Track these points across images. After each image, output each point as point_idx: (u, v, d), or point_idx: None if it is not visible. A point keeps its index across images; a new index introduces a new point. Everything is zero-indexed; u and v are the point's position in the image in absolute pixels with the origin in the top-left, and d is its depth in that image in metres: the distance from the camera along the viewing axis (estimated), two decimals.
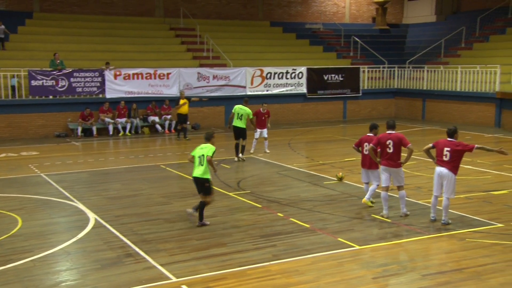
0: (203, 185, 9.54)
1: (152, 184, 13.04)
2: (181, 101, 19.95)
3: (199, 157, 9.61)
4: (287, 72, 24.95)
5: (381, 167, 10.12)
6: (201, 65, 24.10)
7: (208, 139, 9.91)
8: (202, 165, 9.53)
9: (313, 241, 8.82)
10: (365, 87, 26.67)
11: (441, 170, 9.44)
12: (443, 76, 24.90)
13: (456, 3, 32.30)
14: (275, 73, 24.71)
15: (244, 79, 23.96)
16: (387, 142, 9.95)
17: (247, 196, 11.75)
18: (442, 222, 9.51)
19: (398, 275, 7.48)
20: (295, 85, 25.16)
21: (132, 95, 21.96)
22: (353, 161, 15.50)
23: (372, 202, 10.75)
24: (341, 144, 18.77)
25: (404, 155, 10.04)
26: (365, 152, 10.71)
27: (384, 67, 27.55)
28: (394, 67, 27.59)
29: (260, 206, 10.92)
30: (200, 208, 9.59)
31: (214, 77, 23.34)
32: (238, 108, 15.64)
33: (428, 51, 28.27)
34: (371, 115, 26.49)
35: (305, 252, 8.30)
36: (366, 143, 10.61)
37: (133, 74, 21.96)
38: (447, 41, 28.02)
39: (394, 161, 9.89)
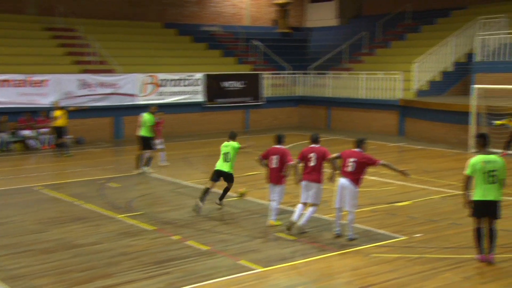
0: (227, 177, 12.00)
1: (24, 209, 12.42)
2: (57, 113, 19.17)
3: (225, 154, 11.98)
4: (183, 79, 24.91)
5: (303, 182, 10.35)
6: (85, 71, 23.38)
7: (233, 138, 12.18)
8: (227, 161, 11.97)
9: (213, 265, 8.82)
10: (268, 95, 27.24)
11: (344, 181, 9.86)
12: (347, 83, 26.08)
13: (357, 7, 34.00)
14: (169, 80, 24.57)
15: (135, 86, 23.56)
16: (310, 156, 10.31)
17: (138, 218, 11.54)
18: (348, 237, 9.92)
19: None
20: (192, 93, 25.18)
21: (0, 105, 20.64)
22: (256, 175, 15.71)
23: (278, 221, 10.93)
24: (244, 157, 18.86)
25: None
26: (272, 166, 10.84)
27: (287, 74, 28.34)
28: (298, 74, 28.47)
29: (153, 228, 10.76)
30: (225, 191, 12.04)
31: (100, 85, 22.74)
32: (145, 115, 15.88)
33: (332, 57, 29.51)
34: (274, 124, 27.08)
35: (204, 278, 8.27)
36: (274, 156, 10.73)
37: (0, 81, 20.69)
38: (350, 46, 29.40)
39: (316, 175, 10.22)
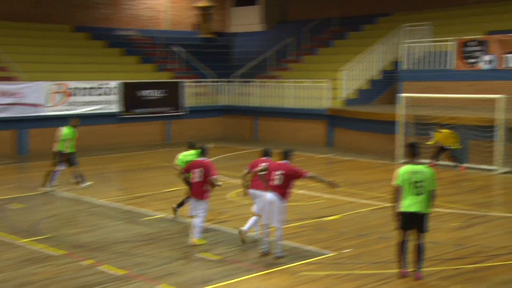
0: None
1: None
2: None
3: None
4: (96, 88, 24.44)
5: (251, 191, 10.70)
6: None
7: (193, 147, 12.35)
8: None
9: None
10: (190, 104, 27.16)
11: (270, 196, 9.95)
12: (273, 91, 26.40)
13: (283, 12, 34.59)
14: (81, 89, 24.04)
15: (41, 96, 22.86)
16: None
17: (45, 241, 11.14)
18: (275, 255, 10.00)
19: None
20: (107, 102, 24.73)
21: None
22: (177, 191, 15.60)
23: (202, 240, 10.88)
24: (165, 171, 18.73)
25: None
26: (195, 180, 10.79)
27: (210, 82, 28.37)
28: (222, 82, 28.57)
29: (62, 253, 10.41)
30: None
31: (0, 94, 21.91)
32: (64, 129, 15.63)
33: (257, 64, 29.83)
34: (197, 136, 26.94)
35: None
36: (196, 169, 10.70)
37: None
38: (277, 52, 29.87)
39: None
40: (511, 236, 11.23)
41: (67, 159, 15.69)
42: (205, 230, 11.45)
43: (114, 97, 24.88)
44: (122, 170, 19.68)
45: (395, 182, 8.77)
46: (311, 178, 10.15)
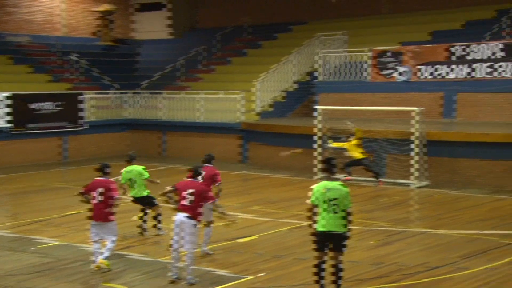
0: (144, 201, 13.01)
1: None
2: None
3: (130, 180, 12.99)
4: None
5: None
6: None
7: (133, 160, 13.02)
8: (135, 187, 12.88)
9: None
10: (91, 119, 26.59)
11: (181, 217, 9.85)
12: (183, 104, 26.31)
13: (192, 19, 34.66)
14: None
15: None
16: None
17: None
18: (187, 282, 9.89)
19: None
20: None
21: None
22: (77, 214, 15.24)
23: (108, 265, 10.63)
24: (61, 193, 18.31)
25: None
26: (96, 201, 10.60)
27: (113, 93, 27.93)
28: (126, 93, 28.19)
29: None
30: (156, 218, 12.94)
31: None
32: None
33: (165, 74, 29.70)
34: (99, 153, 26.47)
35: None
36: (97, 190, 10.58)
37: None
38: (186, 62, 29.88)
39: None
40: (428, 253, 11.59)
41: None
42: (109, 257, 11.21)
43: (1, 111, 23.99)
44: (12, 193, 18.99)
45: (309, 200, 8.82)
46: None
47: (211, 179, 11.72)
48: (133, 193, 13.06)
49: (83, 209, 15.68)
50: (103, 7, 32.26)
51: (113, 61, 31.43)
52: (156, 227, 13.14)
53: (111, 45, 32.61)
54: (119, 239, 12.49)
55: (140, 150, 27.40)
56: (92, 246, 10.85)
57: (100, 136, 27.05)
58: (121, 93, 28.21)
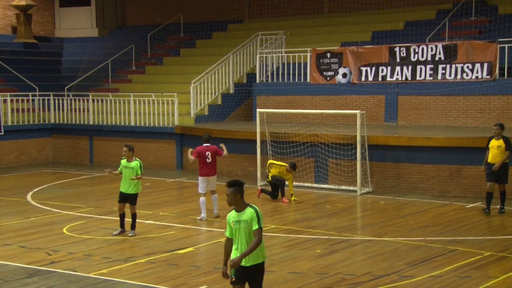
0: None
1: None
2: None
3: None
4: None
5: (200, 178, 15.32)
6: None
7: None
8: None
9: None
10: (9, 123, 25.95)
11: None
12: (113, 107, 26.02)
13: (120, 16, 34.33)
14: None
15: None
16: (206, 154, 15.21)
17: None
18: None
19: None
20: None
21: None
22: None
23: None
24: None
25: None
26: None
27: (34, 95, 27.37)
28: (49, 95, 27.66)
29: None
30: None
31: None
32: None
33: (92, 75, 29.28)
34: (20, 161, 25.89)
35: None
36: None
37: None
38: (115, 62, 29.55)
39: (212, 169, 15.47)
40: (373, 261, 11.79)
41: None
42: (34, 273, 11.09)
43: None
44: None
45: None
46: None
47: (214, 154, 15.47)
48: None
49: (4, 222, 15.48)
50: (20, 1, 31.45)
51: (34, 60, 30.66)
52: None
53: (31, 43, 31.82)
54: (44, 253, 12.38)
55: (66, 157, 27.05)
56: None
57: (19, 142, 26.40)
58: (44, 96, 27.64)
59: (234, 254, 7.73)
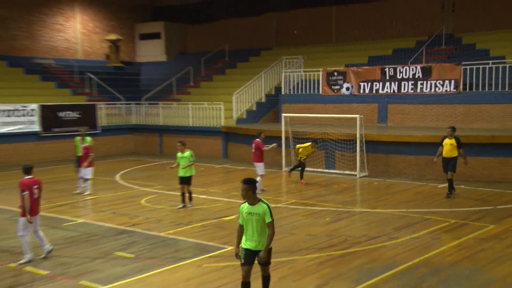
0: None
1: None
2: None
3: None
4: (16, 110, 23.12)
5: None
6: None
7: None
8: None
9: None
10: (103, 124, 26.36)
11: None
12: (176, 112, 26.24)
13: (182, 44, 34.56)
14: (2, 111, 22.66)
15: None
16: (252, 145, 15.84)
17: None
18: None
19: None
20: (27, 123, 23.47)
21: None
22: (95, 199, 15.17)
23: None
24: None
25: None
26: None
27: (121, 104, 27.73)
28: (131, 104, 28.00)
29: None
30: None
31: None
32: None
33: (162, 89, 29.55)
34: (111, 151, 26.24)
35: None
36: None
37: None
38: (178, 79, 29.74)
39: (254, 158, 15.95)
40: (368, 227, 11.78)
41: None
42: (122, 232, 11.24)
43: (34, 118, 23.68)
44: (43, 182, 18.67)
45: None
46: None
47: (258, 147, 15.80)
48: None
49: (100, 195, 15.72)
50: (112, 36, 31.97)
51: (120, 79, 31.09)
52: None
53: (118, 66, 32.30)
54: (128, 218, 12.52)
55: (142, 149, 27.36)
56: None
57: (111, 137, 26.75)
58: (127, 104, 27.99)
59: (244, 241, 7.17)
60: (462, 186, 16.06)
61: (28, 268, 9.23)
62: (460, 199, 14.56)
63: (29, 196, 9.62)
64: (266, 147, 16.07)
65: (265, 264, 7.22)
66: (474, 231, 11.23)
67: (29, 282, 8.61)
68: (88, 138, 17.71)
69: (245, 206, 7.12)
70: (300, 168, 17.49)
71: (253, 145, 15.95)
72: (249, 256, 7.12)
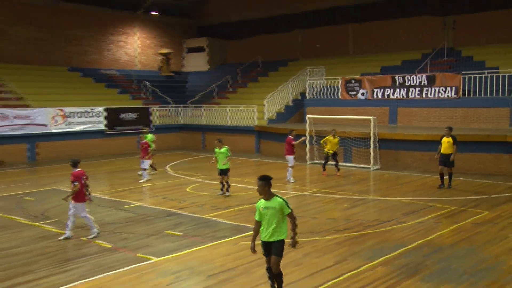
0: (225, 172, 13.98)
1: None
2: None
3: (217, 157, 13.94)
4: (87, 112, 23.71)
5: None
6: (2, 106, 21.38)
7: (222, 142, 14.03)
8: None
9: (115, 259, 8.52)
10: (156, 123, 26.75)
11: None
12: (216, 113, 26.41)
13: (222, 57, 34.74)
14: (76, 112, 23.26)
15: (46, 118, 22.01)
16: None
17: (53, 224, 10.80)
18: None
19: (188, 279, 7.68)
20: (95, 122, 24.04)
21: None
22: (150, 186, 15.42)
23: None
24: (137, 173, 18.48)
25: None
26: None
27: (170, 107, 28.09)
28: (179, 107, 28.33)
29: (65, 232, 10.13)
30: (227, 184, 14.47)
31: (16, 117, 21.01)
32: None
33: (204, 94, 29.77)
34: (162, 146, 26.60)
35: (108, 269, 7.97)
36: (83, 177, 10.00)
37: None
38: (218, 86, 29.91)
39: (285, 151, 15.94)
40: (380, 212, 11.67)
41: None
42: (169, 214, 11.40)
43: (101, 119, 24.23)
44: (108, 171, 19.21)
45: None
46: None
47: (289, 142, 15.82)
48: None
49: (151, 183, 15.99)
50: (164, 50, 32.38)
51: (170, 86, 31.45)
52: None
53: (169, 75, 32.70)
54: (176, 202, 12.65)
55: (188, 145, 27.65)
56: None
57: (162, 135, 26.98)
58: (176, 107, 28.33)
59: (262, 233, 6.49)
60: (461, 178, 15.72)
61: (97, 242, 9.50)
62: (459, 190, 14.26)
63: (80, 186, 9.68)
64: (296, 142, 16.08)
65: (277, 255, 6.42)
66: (471, 217, 11.02)
67: (99, 252, 8.87)
68: (150, 136, 17.83)
69: (262, 202, 6.50)
70: (333, 162, 17.17)
71: (286, 141, 16.00)
72: (267, 247, 6.51)
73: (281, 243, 6.45)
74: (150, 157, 16.45)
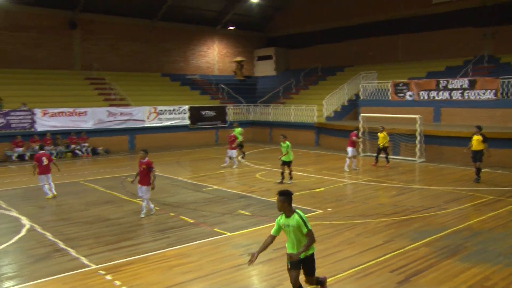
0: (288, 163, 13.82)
1: (73, 195, 12.16)
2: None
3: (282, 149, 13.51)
4: (175, 110, 24.72)
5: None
6: (110, 105, 22.96)
7: (286, 138, 13.83)
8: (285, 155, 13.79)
9: (197, 232, 8.85)
10: (231, 120, 27.28)
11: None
12: (282, 111, 26.42)
13: (287, 63, 34.64)
14: (166, 110, 24.35)
15: (143, 115, 23.28)
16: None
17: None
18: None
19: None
20: (181, 118, 25.00)
21: (57, 128, 20.31)
22: (224, 172, 15.79)
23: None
24: (214, 161, 18.90)
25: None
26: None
27: (243, 106, 28.50)
28: (250, 105, 28.67)
29: (156, 208, 10.68)
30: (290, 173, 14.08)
31: (120, 114, 22.41)
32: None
33: (272, 95, 29.87)
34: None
35: (191, 240, 8.30)
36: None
37: (57, 112, 20.45)
38: (283, 88, 29.86)
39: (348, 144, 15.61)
40: (424, 200, 11.23)
41: (241, 145, 17.54)
42: (241, 196, 11.60)
43: (185, 115, 25.13)
44: (191, 160, 19.90)
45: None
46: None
47: (351, 136, 15.63)
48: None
49: (226, 170, 16.37)
50: (238, 58, 32.86)
51: (243, 88, 31.82)
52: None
53: (242, 79, 33.15)
54: (247, 187, 12.86)
55: (258, 138, 27.88)
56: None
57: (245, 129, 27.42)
58: (247, 106, 28.69)
59: (288, 247, 5.55)
60: (499, 171, 14.62)
61: (182, 217, 9.93)
62: (497, 181, 13.31)
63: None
64: (355, 139, 15.83)
65: (309, 274, 5.55)
66: (507, 205, 10.35)
67: (183, 226, 9.28)
68: (237, 129, 17.98)
69: (282, 218, 5.48)
70: (383, 155, 16.61)
71: (350, 135, 15.93)
72: (296, 263, 5.47)
73: (310, 260, 5.52)
74: (235, 148, 16.87)
